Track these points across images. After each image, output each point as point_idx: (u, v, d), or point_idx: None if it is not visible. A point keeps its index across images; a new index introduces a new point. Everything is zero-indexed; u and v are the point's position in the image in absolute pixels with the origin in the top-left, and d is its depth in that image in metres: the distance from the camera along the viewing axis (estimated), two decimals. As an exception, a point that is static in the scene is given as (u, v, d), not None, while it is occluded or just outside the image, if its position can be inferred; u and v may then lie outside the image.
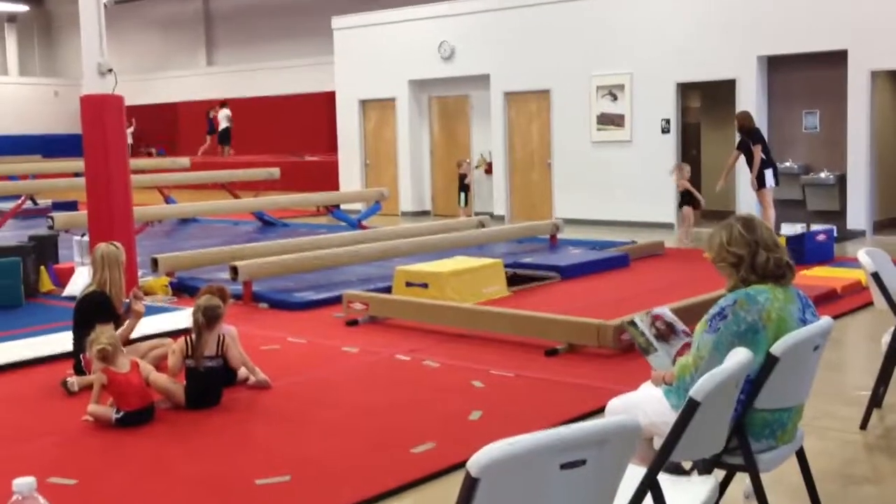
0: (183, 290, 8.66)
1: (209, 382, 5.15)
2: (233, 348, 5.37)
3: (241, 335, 5.83)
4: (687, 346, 3.39)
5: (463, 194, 14.94)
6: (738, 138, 11.39)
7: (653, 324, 3.47)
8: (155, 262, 8.88)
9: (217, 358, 5.19)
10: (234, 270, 8.27)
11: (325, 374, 5.90)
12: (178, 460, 4.42)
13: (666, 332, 3.46)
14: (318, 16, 20.91)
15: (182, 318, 6.83)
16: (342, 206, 15.33)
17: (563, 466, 2.01)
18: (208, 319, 5.15)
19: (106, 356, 4.90)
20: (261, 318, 7.67)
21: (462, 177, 15.01)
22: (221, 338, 5.24)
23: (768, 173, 11.06)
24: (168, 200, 15.52)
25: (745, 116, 11.40)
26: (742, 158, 11.34)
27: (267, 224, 14.71)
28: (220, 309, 5.23)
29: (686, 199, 11.90)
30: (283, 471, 4.14)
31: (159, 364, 5.47)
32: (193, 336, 5.17)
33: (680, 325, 3.50)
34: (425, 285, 7.89)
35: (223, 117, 22.68)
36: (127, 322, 5.57)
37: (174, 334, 6.05)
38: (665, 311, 3.54)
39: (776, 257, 3.21)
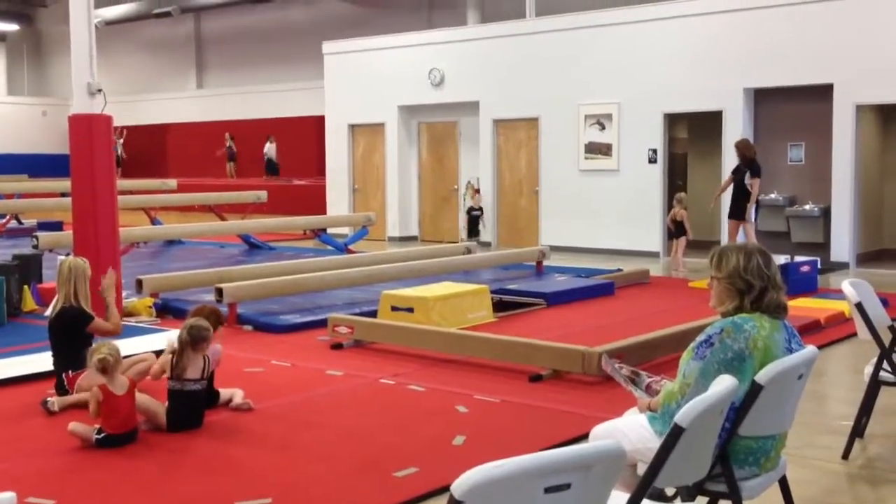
0: (167, 311, 8.63)
1: (192, 405, 5.11)
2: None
3: (224, 357, 5.79)
4: (649, 386, 3.43)
5: (472, 226, 14.65)
6: (732, 166, 11.42)
7: (620, 369, 3.53)
8: (139, 283, 8.85)
9: (201, 381, 5.15)
10: (220, 292, 8.24)
11: (309, 397, 5.87)
12: (158, 482, 4.38)
13: (632, 375, 3.50)
14: (309, 40, 21.04)
15: (165, 339, 6.78)
16: (329, 231, 15.33)
17: (548, 490, 2.01)
18: (193, 339, 5.10)
19: (106, 367, 4.84)
20: (245, 340, 7.63)
21: (471, 210, 14.83)
22: (207, 360, 5.20)
23: (753, 206, 11.17)
24: (154, 222, 15.48)
25: (746, 145, 11.37)
26: (731, 186, 11.40)
27: (253, 247, 14.69)
28: (206, 331, 5.17)
29: (680, 230, 12.01)
30: (265, 493, 4.11)
31: (141, 380, 5.43)
32: (176, 354, 5.12)
33: (635, 369, 3.57)
34: (411, 310, 7.88)
35: (269, 150, 22.68)
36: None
37: (157, 355, 6.00)
38: (614, 363, 3.59)
39: (780, 298, 3.24)
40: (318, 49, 18.34)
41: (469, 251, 11.84)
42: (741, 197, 11.16)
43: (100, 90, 7.91)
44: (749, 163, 11.16)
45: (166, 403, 5.10)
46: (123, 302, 8.28)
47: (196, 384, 5.10)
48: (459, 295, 8.25)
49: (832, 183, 12.42)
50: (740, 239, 11.61)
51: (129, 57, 28.00)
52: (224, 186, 19.92)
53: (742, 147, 11.30)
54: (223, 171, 24.01)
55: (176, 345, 5.16)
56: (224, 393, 5.52)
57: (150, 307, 8.64)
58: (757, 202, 11.31)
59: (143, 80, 27.94)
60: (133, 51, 28.10)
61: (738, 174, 11.24)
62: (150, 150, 26.59)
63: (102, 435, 4.77)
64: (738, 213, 11.19)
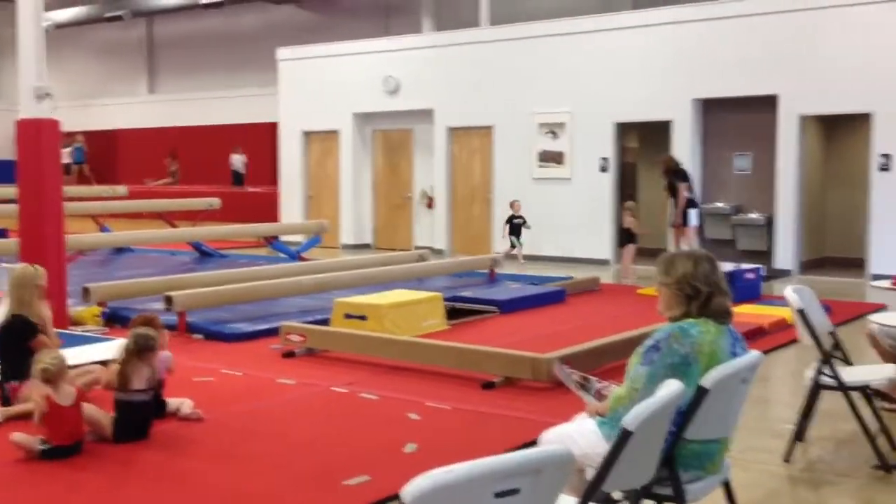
0: (115, 320, 8.50)
1: (138, 415, 5.04)
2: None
3: (174, 364, 5.75)
4: (599, 392, 3.49)
5: (514, 236, 13.73)
6: (666, 182, 11.87)
7: (571, 374, 3.59)
8: (86, 291, 8.72)
9: (148, 391, 5.09)
10: (169, 300, 8.16)
11: (260, 406, 5.85)
12: (103, 494, 4.32)
13: (582, 381, 3.56)
14: (263, 46, 20.91)
15: (113, 348, 6.71)
16: (282, 238, 15.25)
17: (498, 495, 2.04)
18: (139, 348, 5.04)
19: (49, 378, 4.76)
20: (195, 349, 7.57)
21: (511, 218, 13.80)
22: (154, 370, 5.15)
23: (692, 212, 11.49)
24: (103, 229, 15.26)
25: (668, 159, 12.03)
26: (671, 199, 11.83)
27: (204, 255, 14.55)
28: (152, 340, 5.11)
29: (629, 237, 12.20)
30: None
31: (90, 392, 5.36)
32: (121, 364, 5.06)
33: (585, 374, 3.64)
34: (364, 317, 7.88)
35: (236, 161, 22.36)
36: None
37: (104, 363, 5.93)
38: (565, 369, 3.65)
39: (726, 303, 3.32)
40: (271, 55, 18.26)
41: (422, 258, 11.86)
42: (682, 209, 11.66)
43: (48, 94, 7.80)
44: (676, 173, 11.71)
45: (112, 414, 5.04)
46: (70, 310, 8.15)
47: (143, 394, 5.04)
48: (413, 303, 8.27)
49: (776, 192, 12.68)
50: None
51: (80, 61, 27.57)
52: (175, 193, 19.71)
53: (665, 162, 12.00)
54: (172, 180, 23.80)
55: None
56: (172, 402, 5.46)
57: (97, 316, 8.51)
58: (698, 207, 11.68)
59: (94, 84, 27.53)
60: (83, 55, 27.68)
61: (669, 190, 11.85)
62: (100, 156, 26.19)
63: (47, 446, 4.68)
64: (685, 220, 11.55)
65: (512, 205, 13.82)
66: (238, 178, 22.20)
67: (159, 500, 4.21)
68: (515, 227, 13.71)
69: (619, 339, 6.78)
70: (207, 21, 24.98)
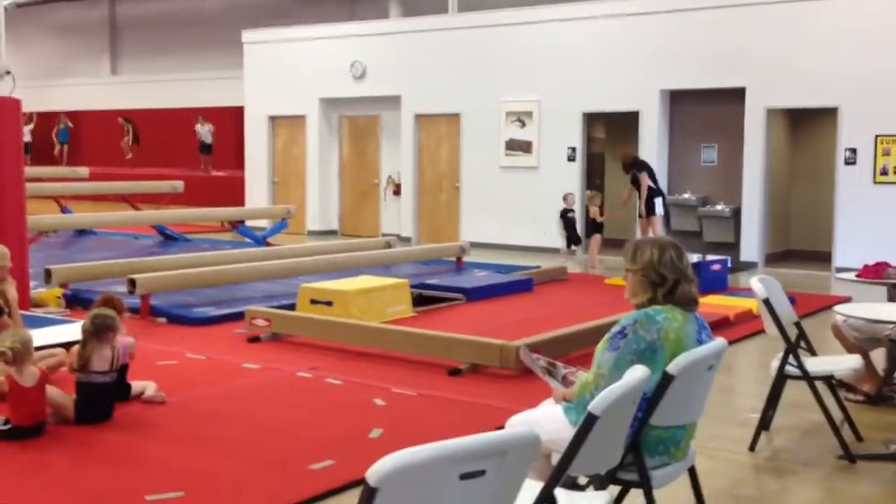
0: (77, 302, 8.38)
1: (100, 397, 4.97)
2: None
3: (137, 350, 5.67)
4: (565, 377, 3.49)
5: (571, 231, 12.63)
6: (629, 176, 11.94)
7: (538, 360, 3.58)
8: (48, 273, 8.58)
9: (110, 373, 5.01)
10: (133, 283, 8.04)
11: (224, 390, 5.78)
12: (65, 475, 4.26)
13: (549, 367, 3.55)
14: (229, 29, 20.67)
15: (74, 330, 6.60)
16: (248, 223, 15.12)
17: (463, 477, 2.02)
18: (97, 328, 4.96)
19: (8, 360, 4.67)
20: (159, 332, 7.47)
21: (566, 212, 12.65)
22: (116, 351, 5.07)
23: (658, 201, 11.57)
24: (65, 211, 15.03)
25: (625, 154, 12.11)
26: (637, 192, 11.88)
27: (168, 238, 14.38)
28: (111, 319, 5.03)
29: (595, 227, 12.24)
30: (177, 487, 4.03)
31: (54, 373, 5.28)
32: (81, 345, 4.98)
33: (552, 360, 3.63)
34: (330, 303, 7.82)
35: (202, 131, 21.95)
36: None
37: (67, 346, 5.83)
38: (532, 355, 3.65)
39: (692, 290, 3.32)
40: (237, 38, 18.04)
41: (389, 245, 11.81)
42: (646, 198, 11.68)
43: (8, 72, 7.65)
44: (635, 164, 11.80)
45: (74, 396, 4.96)
46: (31, 292, 8.01)
47: (104, 376, 4.97)
48: (379, 289, 8.23)
49: (743, 184, 12.77)
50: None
51: (40, 41, 27.11)
52: (138, 176, 19.46)
53: (624, 156, 12.07)
54: (131, 156, 23.41)
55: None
56: (136, 386, 5.39)
57: (58, 298, 8.39)
58: (664, 196, 11.75)
59: (55, 65, 27.09)
60: (44, 34, 27.22)
61: (634, 184, 11.87)
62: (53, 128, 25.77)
63: (8, 426, 4.62)
64: (651, 209, 11.66)
65: (565, 198, 12.65)
66: (205, 148, 21.88)
67: (121, 481, 4.15)
68: (570, 221, 12.62)
69: (586, 327, 6.80)
70: (172, 2, 24.67)
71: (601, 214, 12.33)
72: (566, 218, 12.59)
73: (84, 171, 17.48)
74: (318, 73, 16.54)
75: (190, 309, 8.18)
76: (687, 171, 13.62)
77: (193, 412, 5.26)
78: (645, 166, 11.83)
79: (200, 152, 21.81)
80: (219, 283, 9.03)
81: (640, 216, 11.82)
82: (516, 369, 6.04)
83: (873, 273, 6.34)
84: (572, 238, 12.61)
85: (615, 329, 3.26)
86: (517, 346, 6.01)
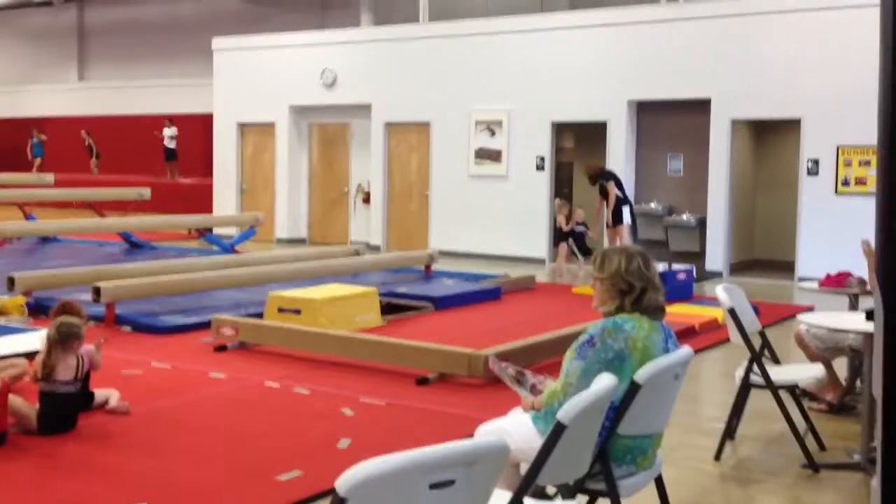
0: (40, 310, 8.25)
1: (64, 407, 4.90)
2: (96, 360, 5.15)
3: (101, 360, 5.59)
4: (534, 386, 3.50)
5: (580, 244, 12.50)
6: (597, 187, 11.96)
7: (506, 369, 3.59)
8: (11, 281, 8.46)
9: (75, 382, 4.95)
10: (97, 291, 7.96)
11: (190, 399, 5.73)
12: (27, 487, 4.19)
13: (518, 376, 3.57)
14: (198, 36, 20.57)
15: (38, 339, 6.52)
16: (216, 231, 15.01)
17: (433, 486, 2.02)
18: (62, 337, 4.89)
19: None
20: (123, 341, 7.39)
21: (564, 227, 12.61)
22: (81, 361, 5.01)
23: (625, 210, 11.62)
24: (29, 218, 14.84)
25: (589, 166, 12.10)
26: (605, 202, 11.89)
27: (134, 246, 14.24)
28: (77, 328, 4.96)
29: (563, 235, 12.30)
30: (141, 498, 3.99)
31: (16, 384, 5.20)
32: (45, 354, 4.91)
33: (520, 368, 3.64)
34: (298, 311, 7.79)
35: (169, 135, 21.62)
36: None
37: (29, 356, 5.76)
38: (501, 363, 3.66)
39: (659, 298, 3.35)
40: (206, 45, 17.95)
41: (358, 253, 11.79)
42: (614, 207, 11.66)
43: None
44: (602, 174, 11.81)
45: (37, 406, 4.89)
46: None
47: (68, 385, 4.90)
48: (347, 297, 8.20)
49: (708, 194, 12.91)
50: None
51: (7, 47, 26.80)
52: (105, 183, 19.27)
53: (589, 168, 12.03)
54: (89, 167, 23.19)
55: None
56: (99, 395, 5.32)
57: (22, 306, 8.27)
58: (631, 205, 11.77)
59: (23, 71, 26.77)
60: (12, 40, 26.90)
61: (603, 194, 11.84)
62: (27, 142, 25.47)
63: (-31, 438, 4.54)
64: (618, 218, 11.66)
65: (573, 212, 12.67)
66: (170, 155, 21.63)
67: (85, 492, 4.10)
68: (579, 236, 12.52)
69: (554, 336, 6.82)
70: (140, 8, 24.49)
71: (567, 223, 12.41)
72: (574, 233, 12.54)
73: (50, 177, 17.27)
74: (288, 80, 16.49)
75: (156, 317, 8.10)
76: (653, 180, 13.75)
77: (158, 422, 5.21)
78: (612, 175, 11.88)
79: (166, 160, 21.61)
80: (185, 292, 8.96)
81: (608, 225, 11.87)
82: (485, 378, 6.05)
83: (835, 282, 6.43)
84: (583, 252, 12.48)
85: (583, 338, 3.29)
86: (486, 355, 6.02)
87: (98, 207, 15.78)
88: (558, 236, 12.37)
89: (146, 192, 15.61)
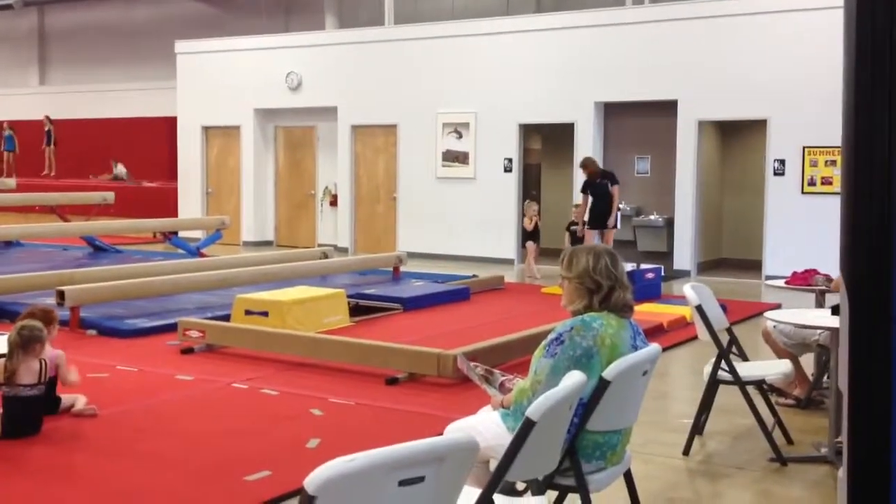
0: (2, 315, 8.14)
1: (28, 411, 4.83)
2: (66, 373, 5.07)
3: (66, 363, 5.51)
4: (503, 384, 3.50)
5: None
6: (583, 176, 11.75)
7: (475, 368, 3.59)
8: (-27, 285, 8.32)
9: (38, 385, 4.87)
10: (61, 295, 7.84)
11: (157, 402, 5.67)
12: (-10, 493, 4.12)
13: (486, 374, 3.57)
14: (161, 39, 20.38)
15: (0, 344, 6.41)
16: (181, 234, 14.87)
17: (402, 483, 2.01)
18: (24, 340, 4.82)
19: None
20: (88, 345, 7.30)
21: (571, 224, 12.07)
22: (44, 364, 4.93)
23: (616, 214, 11.52)
24: (-10, 222, 14.62)
25: (593, 162, 11.74)
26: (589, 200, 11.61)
27: (98, 249, 14.05)
28: (38, 331, 4.90)
29: (529, 234, 12.31)
30: (108, 501, 3.93)
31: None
32: (7, 358, 4.83)
33: (489, 368, 3.64)
34: (265, 314, 7.73)
35: (119, 173, 21.35)
36: None
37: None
38: (469, 363, 3.66)
39: (627, 297, 3.35)
40: (170, 48, 17.79)
41: (326, 255, 11.73)
42: (598, 208, 11.48)
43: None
44: (605, 175, 11.56)
45: (1, 410, 4.81)
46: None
47: (32, 389, 4.82)
48: (315, 299, 8.16)
49: (675, 195, 13.00)
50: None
51: (-35, 49, 26.35)
52: (68, 187, 19.01)
53: (592, 165, 11.67)
54: (54, 167, 22.84)
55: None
56: (65, 399, 5.25)
57: (-17, 311, 8.14)
58: (618, 209, 11.68)
59: (-20, 73, 26.34)
60: (-31, 42, 26.45)
61: (590, 191, 11.56)
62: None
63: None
64: (595, 222, 11.51)
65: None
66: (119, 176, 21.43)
67: (50, 497, 4.03)
68: (574, 234, 11.89)
69: (523, 335, 6.83)
70: (102, 12, 24.20)
71: (531, 223, 12.29)
72: (571, 231, 11.96)
73: (11, 182, 17.02)
74: (252, 83, 16.39)
75: (121, 321, 8.00)
76: (621, 181, 13.78)
77: (125, 425, 5.14)
78: (615, 178, 11.58)
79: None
80: (151, 295, 8.86)
81: (607, 227, 11.54)
82: (454, 378, 6.04)
83: (802, 280, 6.50)
84: None
85: (552, 336, 3.28)
86: (454, 355, 6.01)
87: (61, 211, 15.57)
88: (524, 235, 12.32)
89: (110, 196, 15.43)
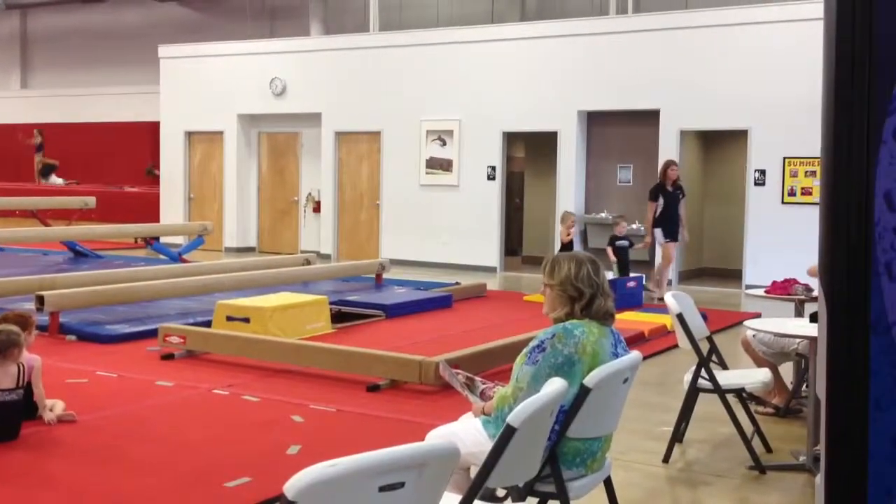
0: (-18, 319, 8.07)
1: (5, 416, 4.79)
2: (37, 383, 5.04)
3: (45, 368, 5.47)
4: (484, 392, 3.52)
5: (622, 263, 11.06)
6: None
7: (457, 375, 3.60)
8: (-49, 290, 8.26)
9: (16, 390, 4.84)
10: (41, 300, 7.79)
11: (137, 408, 5.64)
12: (-34, 499, 4.09)
13: (468, 381, 3.58)
14: (145, 43, 20.29)
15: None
16: (163, 240, 14.80)
17: (382, 489, 2.01)
18: (2, 344, 4.78)
19: None
20: (68, 350, 7.25)
21: (615, 239, 11.22)
22: (21, 369, 4.89)
23: (658, 231, 11.26)
24: (-30, 226, 14.50)
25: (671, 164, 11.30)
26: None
27: (79, 255, 13.97)
28: (15, 336, 4.86)
29: (565, 248, 11.90)
30: (86, 508, 3.91)
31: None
32: None
33: (470, 375, 3.65)
34: (247, 320, 7.71)
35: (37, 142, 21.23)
36: None
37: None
38: (451, 370, 3.66)
39: (608, 305, 3.37)
40: (153, 53, 17.73)
41: (308, 262, 11.71)
42: (670, 217, 11.17)
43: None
44: (674, 185, 11.21)
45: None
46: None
47: (9, 394, 4.79)
48: (297, 305, 8.14)
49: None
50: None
51: (-54, 51, 26.14)
52: (49, 191, 18.90)
53: (674, 169, 11.21)
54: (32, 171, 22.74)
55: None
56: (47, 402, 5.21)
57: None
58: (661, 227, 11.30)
59: (-39, 76, 26.15)
60: (-50, 45, 26.26)
61: (662, 197, 11.14)
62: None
63: None
64: (670, 233, 11.21)
65: (616, 224, 11.48)
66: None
67: (29, 501, 4.00)
68: (622, 250, 11.11)
69: (505, 343, 6.84)
70: (85, 16, 24.09)
71: (568, 236, 11.57)
72: (616, 246, 11.12)
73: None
74: (236, 89, 16.36)
75: (101, 326, 7.95)
76: (604, 190, 13.87)
77: (105, 431, 5.11)
78: (684, 191, 11.31)
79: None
80: (131, 301, 8.81)
81: (686, 240, 11.35)
82: (435, 385, 6.03)
83: (781, 289, 6.54)
84: (623, 269, 10.97)
85: (533, 343, 3.30)
86: (436, 362, 6.01)
87: (42, 216, 15.46)
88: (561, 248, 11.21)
89: (91, 201, 15.33)
